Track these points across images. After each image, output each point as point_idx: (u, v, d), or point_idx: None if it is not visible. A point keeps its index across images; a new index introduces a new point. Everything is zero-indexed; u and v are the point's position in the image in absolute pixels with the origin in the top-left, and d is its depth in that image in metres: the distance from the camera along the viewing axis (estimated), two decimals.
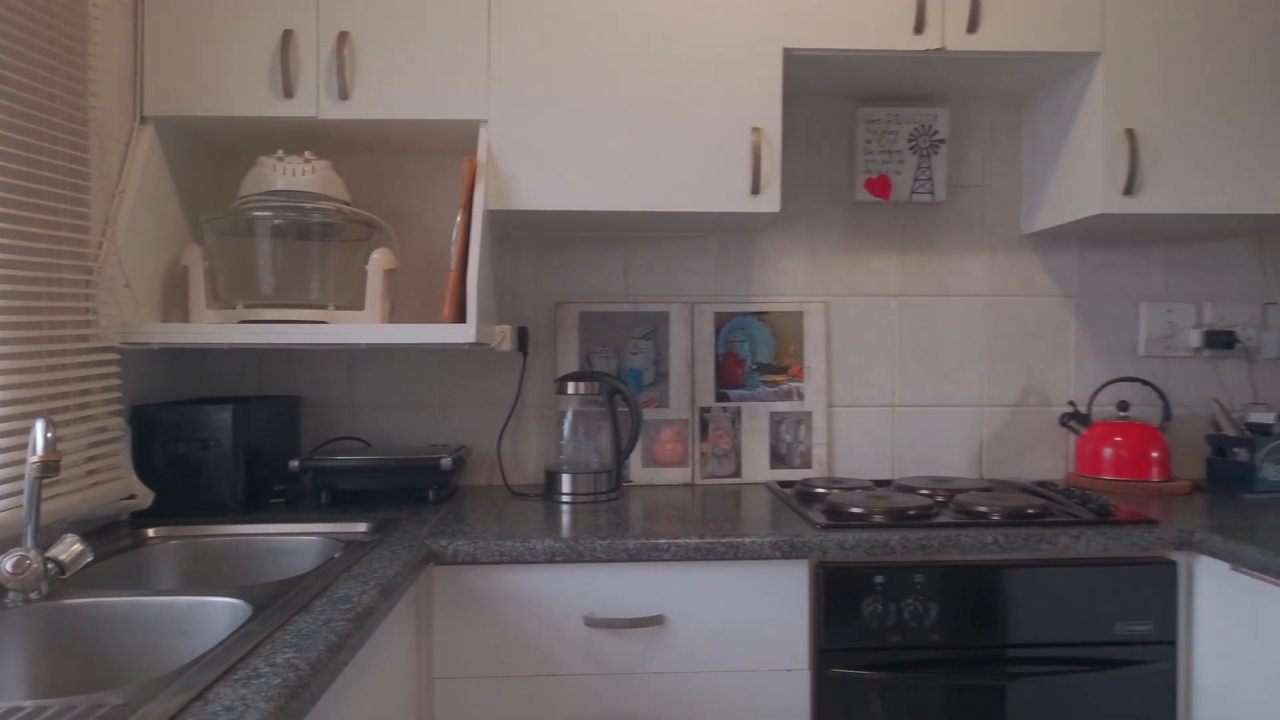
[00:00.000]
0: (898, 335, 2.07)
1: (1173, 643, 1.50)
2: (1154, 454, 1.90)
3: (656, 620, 1.43)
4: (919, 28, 1.74)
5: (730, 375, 2.02)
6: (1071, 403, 2.05)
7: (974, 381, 2.08)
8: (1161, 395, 2.00)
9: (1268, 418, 1.89)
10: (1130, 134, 1.74)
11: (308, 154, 1.67)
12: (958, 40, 1.75)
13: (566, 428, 1.84)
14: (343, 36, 1.66)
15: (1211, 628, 1.47)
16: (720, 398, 2.02)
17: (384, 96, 1.68)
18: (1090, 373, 2.09)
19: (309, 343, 1.57)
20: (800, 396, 2.03)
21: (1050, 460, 2.08)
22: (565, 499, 1.78)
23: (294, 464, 1.72)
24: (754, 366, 2.03)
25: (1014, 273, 2.09)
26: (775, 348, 2.04)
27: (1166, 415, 2.00)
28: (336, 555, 1.32)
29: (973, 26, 1.74)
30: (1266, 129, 1.75)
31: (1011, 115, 2.09)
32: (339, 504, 1.74)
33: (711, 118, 1.71)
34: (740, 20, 1.71)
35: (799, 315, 2.05)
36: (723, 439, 2.01)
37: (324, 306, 1.66)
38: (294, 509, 1.70)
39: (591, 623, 1.43)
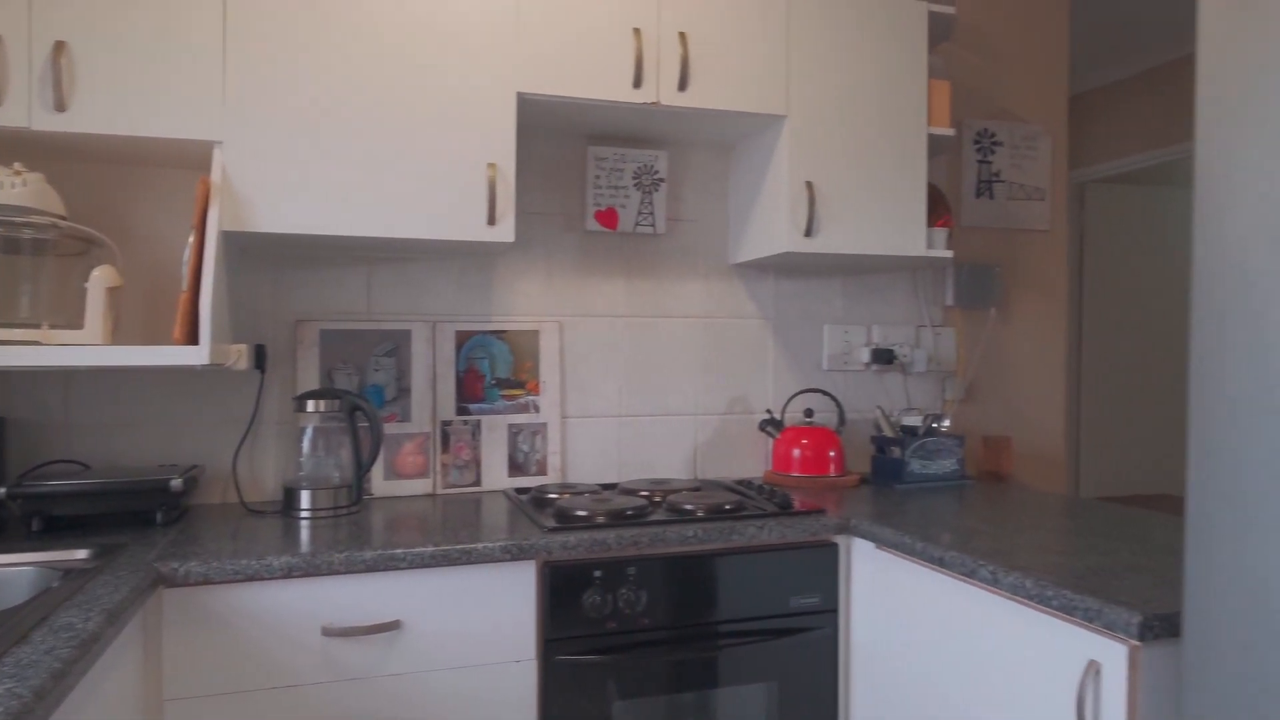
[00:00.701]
0: (624, 352, 2.30)
1: (835, 610, 1.82)
2: (832, 453, 2.26)
3: (393, 625, 1.53)
4: (637, 83, 1.96)
5: (471, 390, 2.15)
6: (769, 411, 2.38)
7: (690, 393, 2.35)
8: (838, 403, 2.38)
9: (916, 421, 2.31)
10: (809, 185, 2.07)
11: (18, 165, 1.60)
12: (670, 96, 1.99)
13: (306, 444, 1.88)
14: (59, 46, 1.60)
15: (863, 596, 1.80)
16: (461, 411, 2.14)
17: (106, 110, 1.64)
18: (785, 384, 2.43)
19: (20, 365, 1.51)
20: (536, 409, 2.20)
21: (753, 460, 2.40)
22: (305, 515, 1.82)
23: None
24: (493, 382, 2.17)
25: (723, 298, 2.38)
26: (513, 364, 2.19)
27: (841, 420, 2.38)
28: (55, 584, 1.30)
29: (683, 85, 1.99)
30: (896, 185, 2.15)
31: (721, 160, 2.39)
32: (54, 531, 1.67)
33: (450, 151, 1.83)
34: (478, 64, 1.85)
35: (535, 334, 2.22)
36: (463, 450, 2.13)
37: (37, 325, 1.60)
38: (1, 539, 1.61)
39: (329, 632, 1.50)
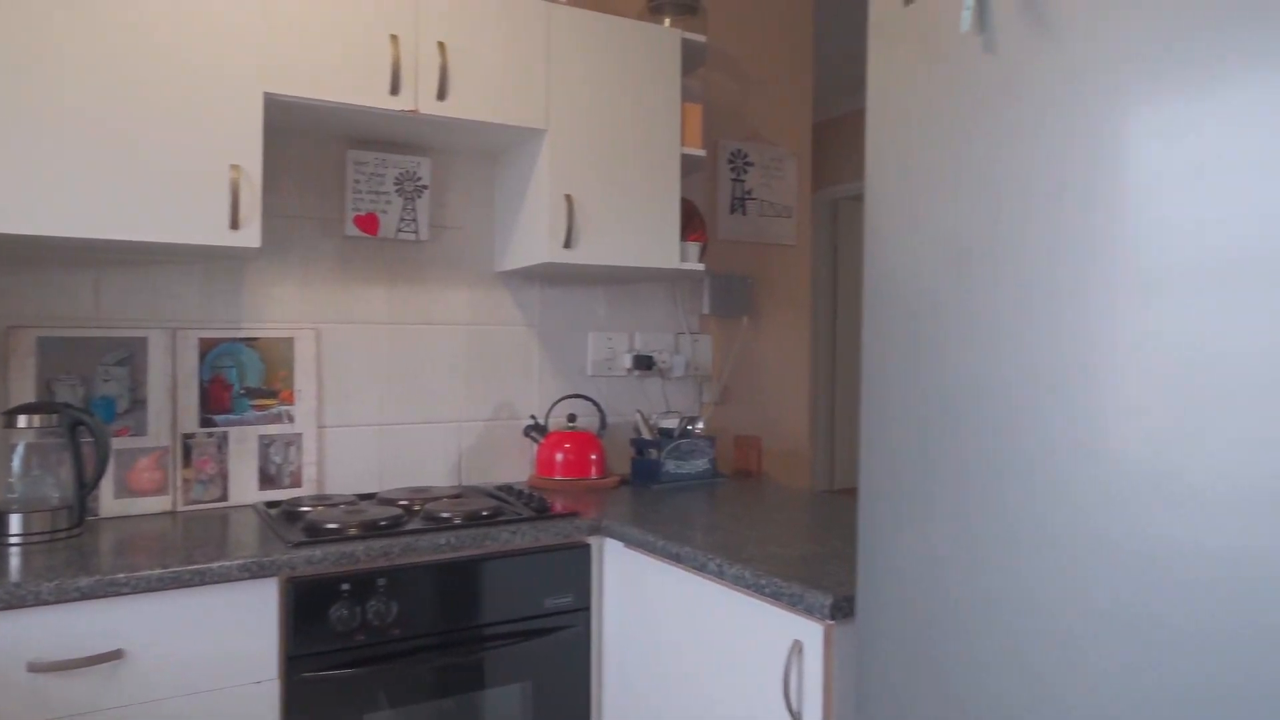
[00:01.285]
0: (387, 360, 2.27)
1: (587, 609, 1.90)
2: (593, 456, 2.35)
3: (114, 656, 1.44)
4: (395, 90, 1.95)
5: (217, 401, 2.05)
6: (533, 416, 2.44)
7: (455, 400, 2.36)
8: (599, 408, 2.48)
9: (672, 423, 2.45)
10: (569, 198, 2.15)
11: None
12: (429, 105, 1.99)
13: (17, 463, 1.72)
14: None
15: (614, 593, 1.90)
16: (206, 423, 2.03)
17: None
18: (550, 390, 2.50)
19: None
20: (291, 419, 2.13)
21: (519, 465, 2.44)
22: (16, 541, 1.66)
23: None
24: (242, 391, 2.08)
25: (489, 305, 2.41)
26: (265, 372, 2.11)
27: (603, 424, 2.47)
28: None
29: (442, 95, 2.00)
30: (651, 201, 2.28)
31: (488, 168, 2.42)
32: None
33: (190, 150, 1.74)
34: (222, 60, 1.77)
35: (290, 341, 2.14)
36: (208, 464, 2.03)
37: None
38: None
39: (36, 668, 1.39)
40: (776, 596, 1.42)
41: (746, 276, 2.83)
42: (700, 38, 2.40)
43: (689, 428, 2.45)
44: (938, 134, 1.11)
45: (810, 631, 1.37)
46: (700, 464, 2.43)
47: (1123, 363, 0.90)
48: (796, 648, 1.39)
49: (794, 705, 1.39)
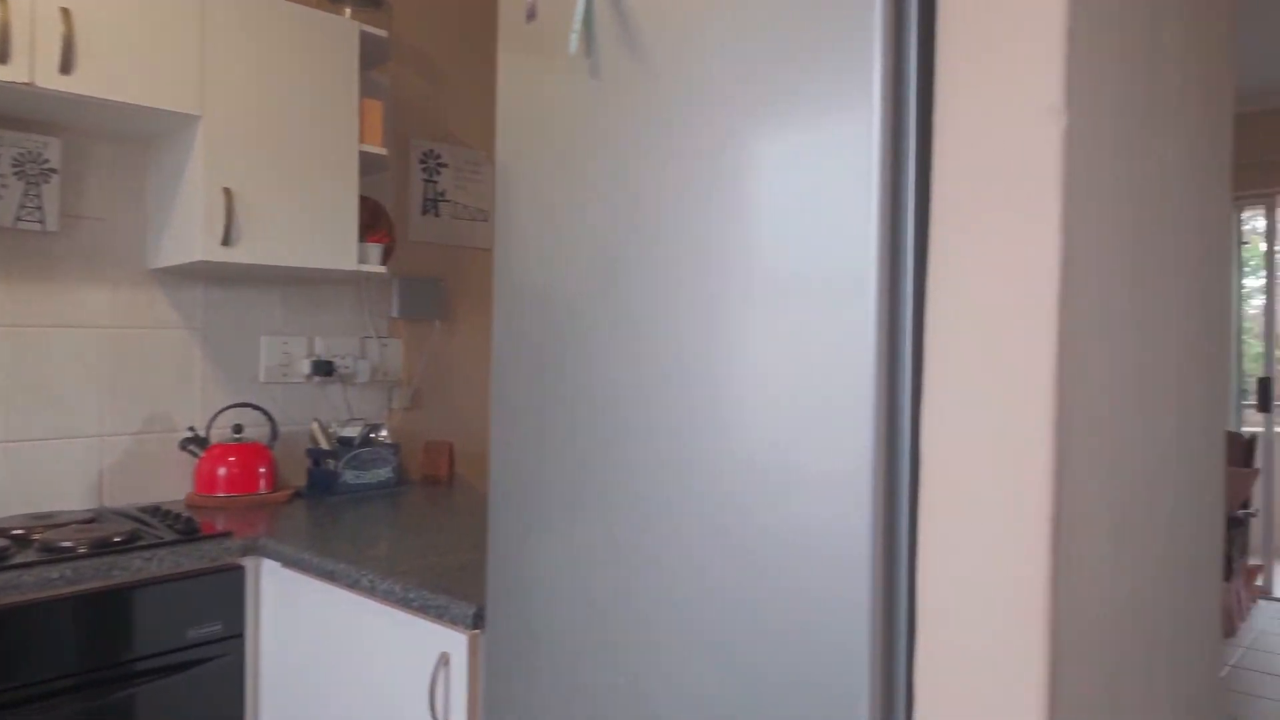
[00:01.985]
0: (6, 368, 1.98)
1: (240, 636, 1.77)
2: (262, 470, 2.19)
3: None
4: (3, 58, 1.70)
5: None
6: (191, 428, 2.23)
7: (94, 412, 2.10)
8: (270, 417, 2.32)
9: (353, 432, 2.35)
10: (228, 192, 1.98)
11: None
12: (50, 79, 1.75)
13: None
14: None
15: (272, 618, 1.78)
16: None
17: None
18: (215, 399, 2.30)
19: None
20: None
21: (177, 483, 2.23)
22: None
23: None
24: None
25: (138, 305, 2.17)
26: None
27: (274, 434, 2.32)
28: None
29: (66, 68, 1.77)
30: (326, 200, 2.18)
31: (138, 154, 2.18)
32: None
33: None
34: None
35: None
36: None
37: None
38: None
39: None
40: (425, 609, 1.40)
41: (439, 279, 2.78)
42: (382, 32, 2.32)
43: (372, 435, 2.36)
44: (560, 148, 1.15)
45: (456, 642, 1.36)
46: (383, 473, 2.35)
47: (750, 365, 0.97)
48: (444, 659, 1.38)
49: (439, 717, 1.37)
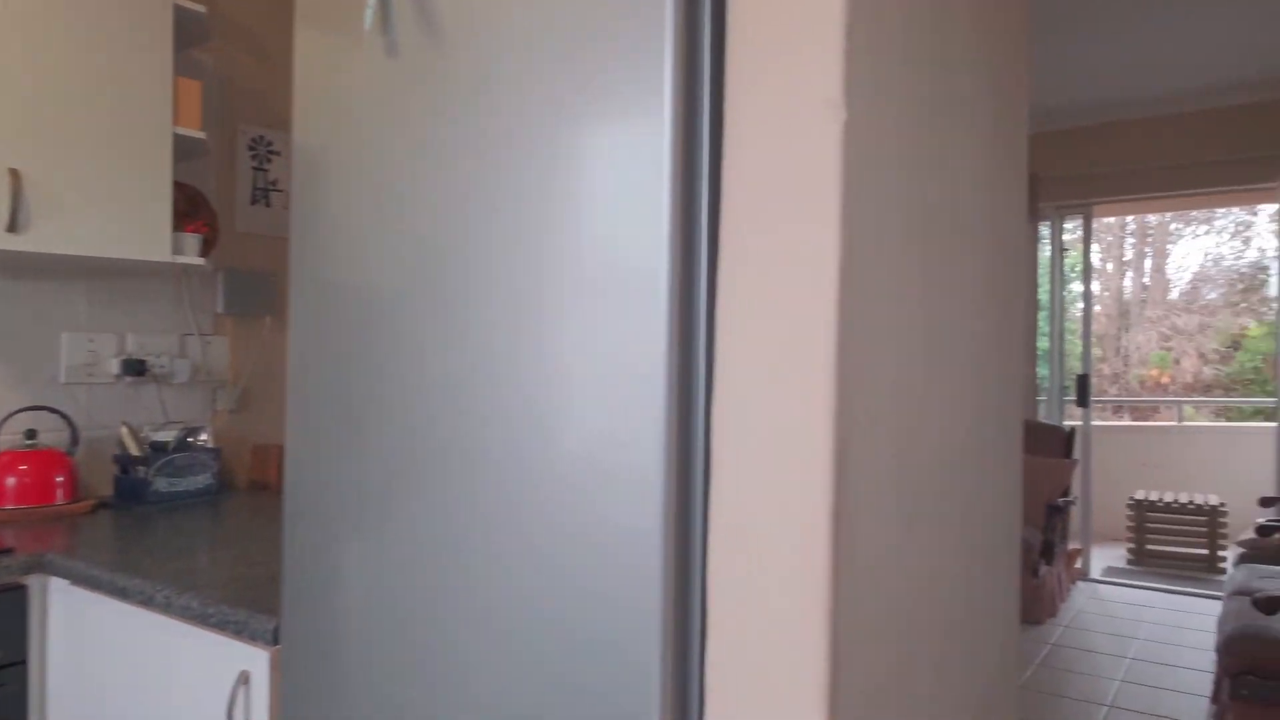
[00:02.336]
0: None
1: (24, 663, 1.61)
2: (60, 478, 2.00)
3: None
4: None
5: None
6: None
7: None
8: (69, 421, 2.13)
9: (167, 436, 2.18)
10: (14, 173, 1.80)
11: None
12: None
13: None
14: None
15: (61, 641, 1.62)
16: None
17: None
18: (6, 402, 2.09)
19: None
20: None
21: None
22: None
23: None
24: None
25: None
26: None
27: (75, 440, 2.13)
28: None
29: None
30: (134, 186, 2.01)
31: None
32: None
33: None
34: None
35: None
36: None
37: None
38: None
39: None
40: (223, 625, 1.30)
41: (270, 273, 2.63)
42: (200, 8, 2.17)
43: (190, 439, 2.20)
44: (362, 132, 1.09)
45: (257, 660, 1.27)
46: (201, 479, 2.19)
47: (559, 364, 0.93)
48: (243, 678, 1.29)
49: None
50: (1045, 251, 5.52)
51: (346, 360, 1.11)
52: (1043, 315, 5.51)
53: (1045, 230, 5.49)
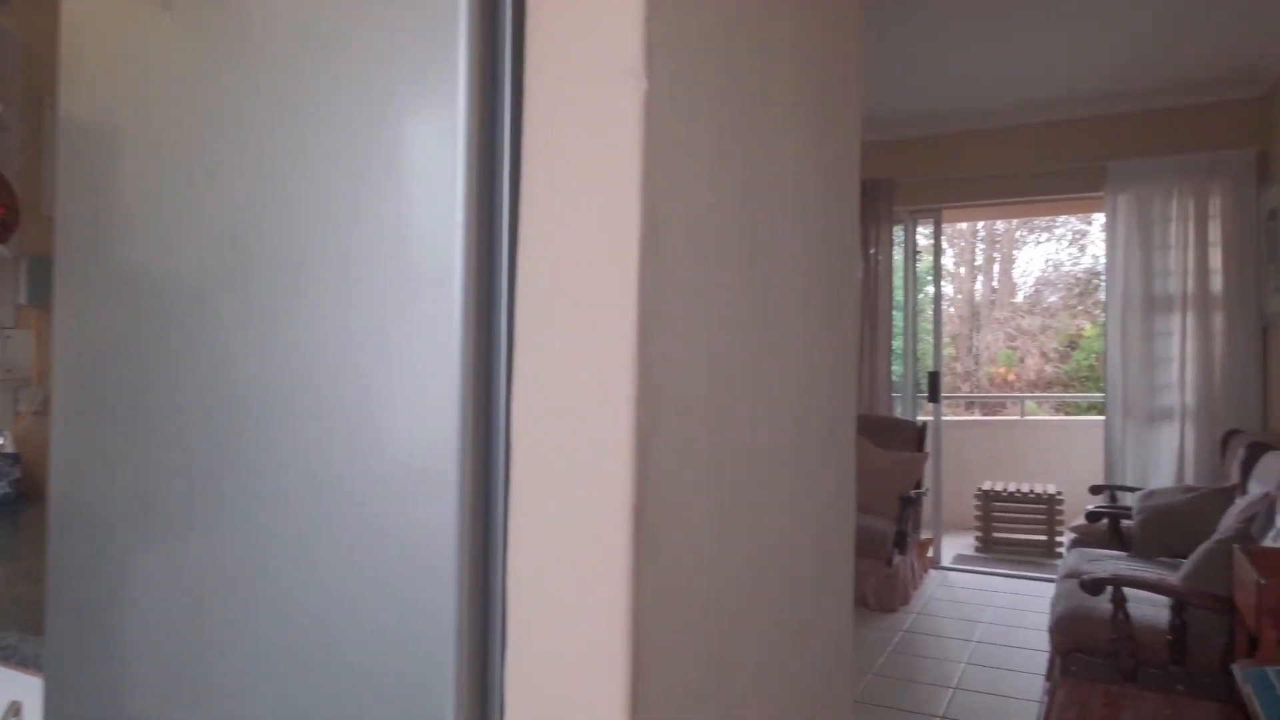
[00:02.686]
0: None
1: None
2: None
3: None
4: None
5: None
6: None
7: None
8: None
9: None
10: None
11: None
12: None
13: None
14: None
15: None
16: None
17: None
18: None
19: None
20: None
21: None
22: None
23: None
24: None
25: None
26: None
27: None
28: None
29: None
30: None
31: None
32: None
33: None
34: None
35: None
36: None
37: None
38: None
39: None
40: None
41: None
42: None
43: None
44: (138, 98, 0.98)
45: (29, 688, 1.13)
46: None
47: (371, 356, 0.85)
48: (14, 709, 1.15)
49: None
50: (901, 256, 5.75)
51: (126, 358, 1.00)
52: (899, 315, 5.74)
53: (900, 234, 5.72)
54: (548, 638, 0.73)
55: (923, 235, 6.26)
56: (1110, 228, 5.00)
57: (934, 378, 5.63)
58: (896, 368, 5.82)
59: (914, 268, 5.82)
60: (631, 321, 0.69)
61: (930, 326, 5.86)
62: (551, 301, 0.73)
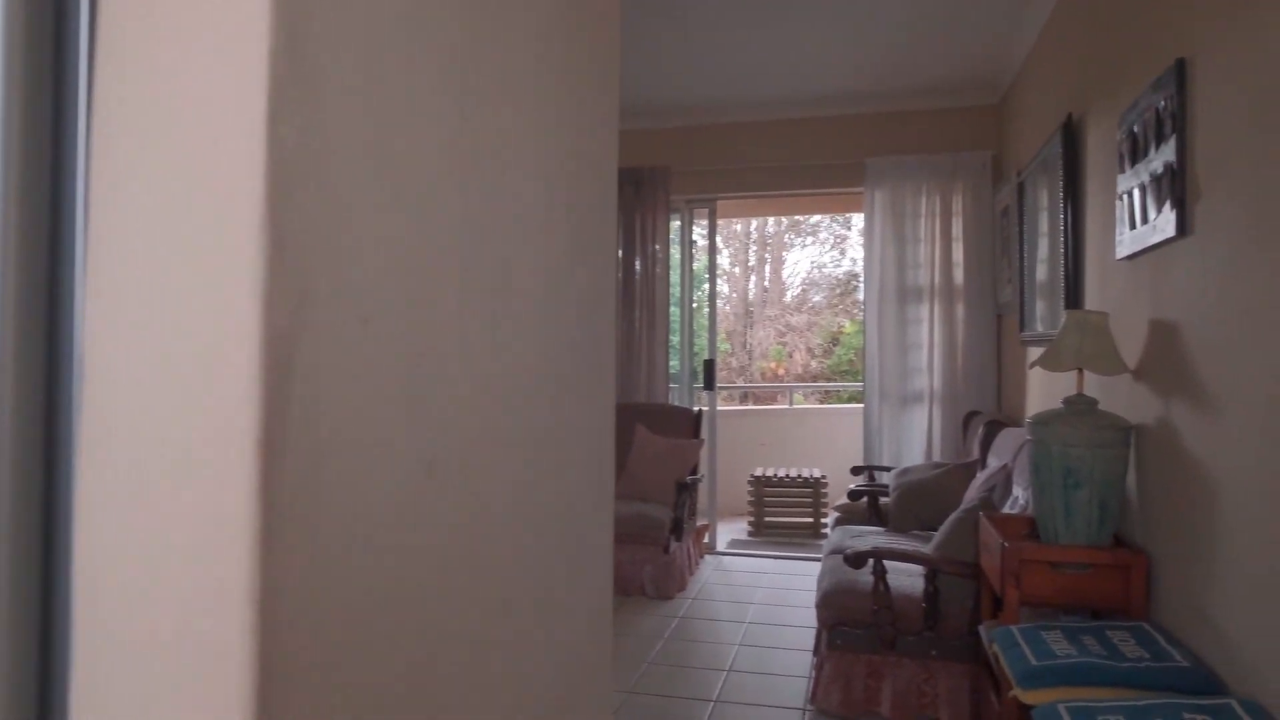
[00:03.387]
0: None
1: None
2: None
3: None
4: None
5: None
6: None
7: None
8: None
9: None
10: None
11: None
12: None
13: None
14: None
15: None
16: None
17: None
18: None
19: None
20: None
21: None
22: None
23: None
24: None
25: None
26: None
27: None
28: None
29: None
30: None
31: None
32: None
33: None
34: None
35: None
36: None
37: None
38: None
39: None
40: None
41: None
42: None
43: None
44: None
45: None
46: None
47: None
48: None
49: None
50: (679, 249, 5.78)
51: None
52: (676, 311, 5.76)
53: (678, 226, 5.74)
54: (131, 635, 0.49)
55: (699, 235, 6.34)
56: (868, 221, 5.27)
57: (709, 365, 5.70)
58: (674, 362, 5.85)
59: (690, 259, 5.87)
60: (256, 331, 0.47)
61: (707, 321, 5.93)
62: (141, 300, 0.49)
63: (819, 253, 14.65)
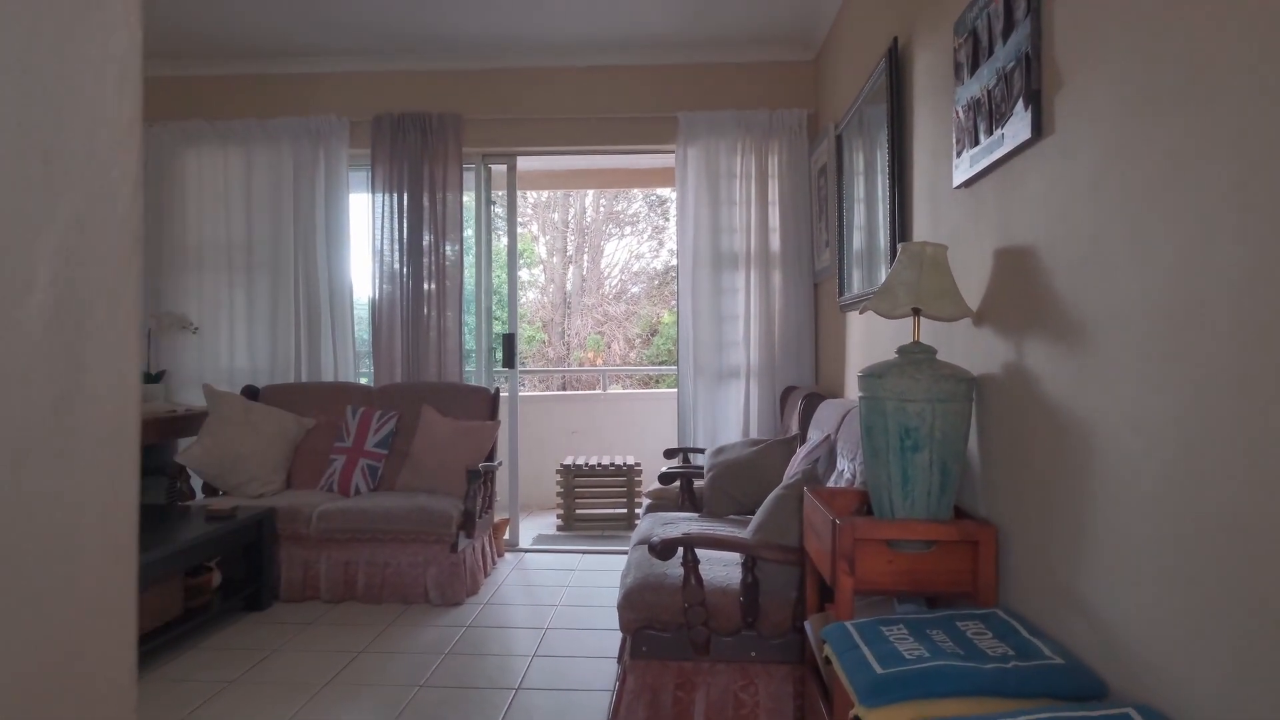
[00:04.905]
0: None
1: None
2: None
3: None
4: None
5: None
6: None
7: None
8: None
9: None
10: None
11: None
12: None
13: None
14: None
15: None
16: None
17: None
18: None
19: None
20: None
21: None
22: None
23: None
24: None
25: None
26: None
27: None
28: None
29: None
30: None
31: None
32: None
33: None
34: None
35: None
36: None
37: None
38: None
39: None
40: None
41: None
42: None
43: None
44: None
45: None
46: None
47: None
48: None
49: None
50: (473, 202, 5.11)
51: None
52: (470, 279, 5.08)
53: (472, 180, 5.08)
54: None
55: (499, 196, 5.69)
56: (680, 181, 4.83)
57: (509, 340, 5.09)
58: (469, 342, 5.18)
59: (488, 215, 5.22)
60: None
61: (507, 293, 5.31)
62: None
63: (637, 243, 14.36)
